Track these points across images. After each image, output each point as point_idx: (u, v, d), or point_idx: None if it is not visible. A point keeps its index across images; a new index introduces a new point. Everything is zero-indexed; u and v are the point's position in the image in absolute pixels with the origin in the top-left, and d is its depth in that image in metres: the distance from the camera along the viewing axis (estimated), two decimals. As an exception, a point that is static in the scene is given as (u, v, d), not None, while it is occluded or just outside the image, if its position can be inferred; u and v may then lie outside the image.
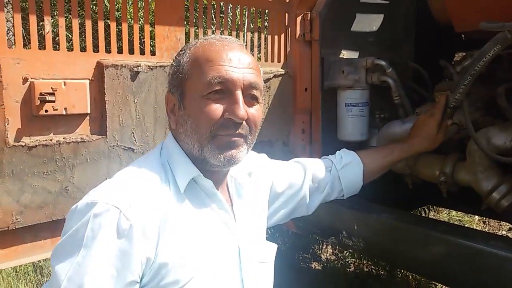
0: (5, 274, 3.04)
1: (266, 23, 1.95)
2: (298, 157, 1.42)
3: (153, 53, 1.55)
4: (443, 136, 1.53)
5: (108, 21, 1.45)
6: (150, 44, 1.53)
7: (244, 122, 0.97)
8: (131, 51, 1.49)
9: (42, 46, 1.31)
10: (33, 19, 1.27)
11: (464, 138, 1.64)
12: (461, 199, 1.95)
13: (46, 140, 1.32)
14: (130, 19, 1.51)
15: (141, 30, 1.52)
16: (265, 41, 1.92)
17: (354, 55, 2.06)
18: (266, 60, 1.92)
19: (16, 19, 1.26)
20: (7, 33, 1.34)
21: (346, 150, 1.46)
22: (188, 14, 1.70)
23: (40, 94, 1.27)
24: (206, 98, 0.94)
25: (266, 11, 1.90)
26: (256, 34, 1.88)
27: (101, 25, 1.40)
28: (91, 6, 1.89)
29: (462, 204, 2.43)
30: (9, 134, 1.25)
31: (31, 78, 1.27)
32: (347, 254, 3.56)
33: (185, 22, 1.67)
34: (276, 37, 1.94)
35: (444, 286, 2.58)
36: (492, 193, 1.53)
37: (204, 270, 0.93)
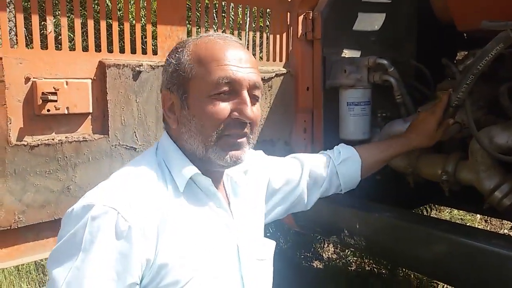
0: (8, 273, 3.05)
1: (268, 22, 1.95)
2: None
3: (155, 52, 1.55)
4: (442, 134, 1.53)
5: (110, 20, 1.46)
6: (152, 44, 1.53)
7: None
8: (133, 51, 1.49)
9: (44, 45, 1.31)
10: (35, 18, 1.27)
11: (466, 137, 1.64)
12: (463, 198, 1.95)
13: (48, 139, 1.32)
14: (132, 18, 1.51)
15: (143, 29, 1.52)
16: (267, 40, 1.92)
17: (356, 54, 2.06)
18: (268, 59, 1.92)
19: (18, 19, 1.26)
20: (9, 33, 1.35)
21: (344, 145, 1.46)
22: (190, 14, 1.70)
23: (42, 93, 1.28)
24: (212, 98, 0.93)
25: (268, 10, 1.90)
26: (258, 33, 1.88)
27: (103, 24, 1.40)
28: (93, 6, 1.90)
29: (464, 203, 2.43)
30: (11, 133, 1.25)
31: (33, 78, 1.28)
32: (348, 252, 3.56)
33: (187, 22, 1.67)
34: (278, 36, 1.94)
35: (445, 285, 2.58)
36: (494, 192, 1.53)
37: (204, 270, 0.92)
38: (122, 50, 1.46)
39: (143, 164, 0.97)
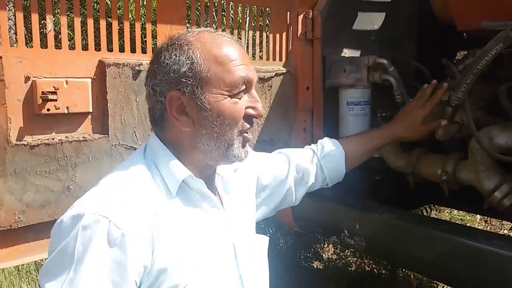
0: (8, 273, 3.05)
1: (267, 22, 1.94)
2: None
3: (155, 51, 1.55)
4: (428, 130, 1.53)
5: (110, 19, 1.45)
6: (152, 43, 1.53)
7: None
8: (133, 50, 1.49)
9: (44, 44, 1.31)
10: (35, 17, 1.27)
11: (466, 137, 1.64)
12: (462, 198, 1.95)
13: (48, 139, 1.32)
14: (132, 17, 1.51)
15: (143, 28, 1.51)
16: (266, 39, 1.91)
17: (355, 53, 2.06)
18: (267, 59, 1.92)
19: (18, 18, 1.25)
20: (9, 32, 1.34)
21: (328, 139, 1.47)
22: (189, 13, 1.70)
23: (42, 93, 1.27)
24: (235, 97, 0.95)
25: (268, 9, 1.90)
26: (257, 33, 1.88)
27: (103, 23, 1.40)
28: (93, 5, 1.90)
29: (463, 203, 2.42)
30: (11, 133, 1.25)
31: (33, 77, 1.27)
32: (348, 253, 3.56)
33: (186, 21, 1.67)
34: (277, 35, 1.94)
35: (445, 286, 2.58)
36: (494, 192, 1.53)
37: (203, 271, 0.92)
38: (122, 49, 1.46)
39: (132, 168, 0.94)
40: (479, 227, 3.87)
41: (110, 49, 1.43)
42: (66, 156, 1.35)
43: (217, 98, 0.93)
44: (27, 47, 1.30)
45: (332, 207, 1.77)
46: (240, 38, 2.14)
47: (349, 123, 1.88)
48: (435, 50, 2.19)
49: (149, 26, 1.52)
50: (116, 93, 1.42)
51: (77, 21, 1.35)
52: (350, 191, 1.77)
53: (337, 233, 1.74)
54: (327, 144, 1.44)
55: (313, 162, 1.39)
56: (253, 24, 1.87)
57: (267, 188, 1.29)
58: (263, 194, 1.29)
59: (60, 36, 1.34)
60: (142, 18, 1.55)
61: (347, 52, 2.03)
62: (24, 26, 1.28)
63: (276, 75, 1.90)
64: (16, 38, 1.31)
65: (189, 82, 0.92)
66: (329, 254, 3.66)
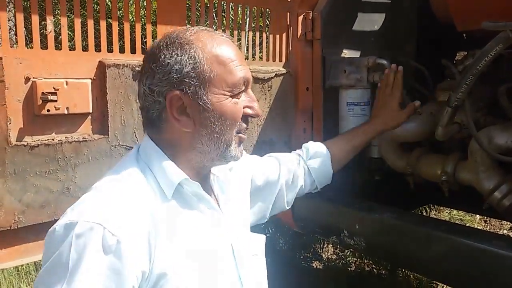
0: (7, 274, 3.05)
1: (267, 22, 1.95)
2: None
3: (154, 52, 1.55)
4: (407, 114, 1.57)
5: (110, 20, 1.46)
6: (152, 44, 1.53)
7: None
8: (133, 51, 1.49)
9: (44, 45, 1.31)
10: (35, 18, 1.27)
11: (466, 138, 1.64)
12: (462, 198, 1.95)
13: (48, 139, 1.32)
14: (132, 18, 1.51)
15: (143, 29, 1.52)
16: (266, 40, 1.92)
17: (355, 54, 2.06)
18: (267, 59, 1.92)
19: (18, 18, 1.26)
20: (9, 32, 1.34)
21: (312, 142, 1.49)
22: (189, 13, 1.70)
23: (42, 93, 1.27)
24: (235, 97, 0.96)
25: (268, 10, 1.90)
26: (257, 33, 1.88)
27: (103, 24, 1.40)
28: (93, 5, 1.90)
29: (463, 204, 2.42)
30: (11, 133, 1.25)
31: (33, 78, 1.27)
32: (348, 253, 3.56)
33: (186, 21, 1.67)
34: (277, 36, 1.94)
35: (445, 286, 2.58)
36: (493, 192, 1.53)
37: (203, 274, 0.91)
38: (122, 50, 1.46)
39: (126, 171, 0.91)
40: (478, 227, 3.88)
41: (110, 50, 1.43)
42: (66, 157, 1.35)
43: (219, 99, 0.93)
44: (27, 48, 1.30)
45: (332, 207, 1.77)
46: (240, 39, 2.13)
47: (349, 124, 1.88)
48: (435, 50, 2.19)
49: (149, 27, 1.52)
50: (116, 94, 1.42)
51: (77, 22, 1.36)
52: (350, 191, 1.77)
53: (336, 233, 1.74)
54: (312, 147, 1.46)
55: (300, 165, 1.41)
56: (253, 25, 1.87)
57: (260, 190, 1.30)
58: (256, 195, 1.29)
59: (60, 37, 1.34)
60: (142, 19, 1.55)
61: (347, 53, 2.03)
62: (24, 27, 1.28)
63: (276, 75, 1.90)
64: (16, 39, 1.31)
65: (192, 83, 0.91)
66: (328, 254, 3.66)
